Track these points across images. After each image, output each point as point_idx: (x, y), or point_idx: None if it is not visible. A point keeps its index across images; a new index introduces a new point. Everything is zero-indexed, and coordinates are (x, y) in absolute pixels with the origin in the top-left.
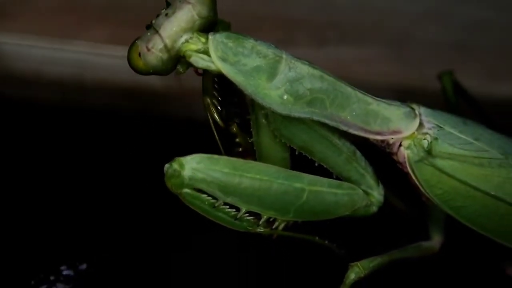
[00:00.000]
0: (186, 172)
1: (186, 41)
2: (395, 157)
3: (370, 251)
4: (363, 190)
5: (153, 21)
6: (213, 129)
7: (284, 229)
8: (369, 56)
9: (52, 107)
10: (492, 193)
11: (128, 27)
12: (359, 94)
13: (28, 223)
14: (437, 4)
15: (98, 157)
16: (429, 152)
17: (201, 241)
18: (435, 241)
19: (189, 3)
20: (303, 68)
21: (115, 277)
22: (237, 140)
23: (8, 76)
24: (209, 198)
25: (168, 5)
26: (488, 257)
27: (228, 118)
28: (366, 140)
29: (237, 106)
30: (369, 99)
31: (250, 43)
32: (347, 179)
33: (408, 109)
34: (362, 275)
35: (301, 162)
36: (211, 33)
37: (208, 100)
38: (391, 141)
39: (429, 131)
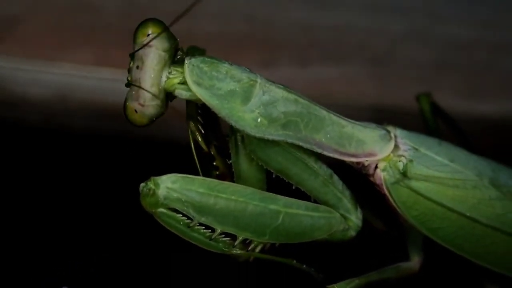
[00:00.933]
0: (161, 191)
1: (167, 78)
2: (372, 179)
3: (349, 273)
4: (341, 214)
5: (129, 78)
6: (194, 153)
7: (261, 251)
8: (350, 75)
9: (36, 129)
10: (468, 214)
11: (112, 48)
12: (334, 117)
13: (25, 229)
14: (418, 24)
15: (87, 171)
16: (404, 174)
17: None
18: (415, 261)
19: (150, 46)
20: (278, 92)
21: (115, 277)
22: (215, 163)
23: None
24: (184, 218)
25: (132, 57)
26: (468, 277)
27: (209, 141)
28: (343, 162)
29: (217, 129)
30: (343, 121)
31: (224, 67)
32: (325, 203)
33: (383, 131)
34: None
35: (284, 186)
36: (187, 58)
37: (192, 125)
38: (366, 163)
39: (405, 153)
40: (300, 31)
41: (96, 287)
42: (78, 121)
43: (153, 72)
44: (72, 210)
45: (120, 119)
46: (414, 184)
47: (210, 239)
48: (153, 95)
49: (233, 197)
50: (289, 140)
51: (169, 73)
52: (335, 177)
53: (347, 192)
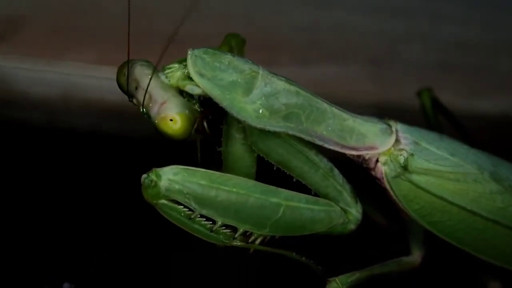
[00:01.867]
0: (163, 183)
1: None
2: (373, 173)
3: (350, 267)
4: (341, 208)
5: (143, 110)
6: (198, 141)
7: (261, 243)
8: (351, 75)
9: (39, 128)
10: (468, 207)
11: (115, 48)
12: (335, 110)
13: (26, 229)
14: (418, 25)
15: (90, 168)
16: (405, 167)
17: (201, 241)
18: (416, 256)
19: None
20: (279, 84)
21: (115, 277)
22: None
23: None
24: (186, 209)
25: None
26: (469, 272)
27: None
28: (344, 158)
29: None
30: (344, 115)
31: (227, 58)
32: (325, 196)
33: (384, 125)
34: None
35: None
36: (190, 49)
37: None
38: (367, 157)
39: (406, 147)
40: (301, 32)
41: (96, 287)
42: (81, 120)
43: (158, 85)
44: (72, 210)
45: (122, 118)
46: (415, 177)
47: (211, 231)
48: (174, 104)
49: (234, 189)
50: (290, 132)
51: (170, 71)
52: (336, 171)
53: (347, 186)
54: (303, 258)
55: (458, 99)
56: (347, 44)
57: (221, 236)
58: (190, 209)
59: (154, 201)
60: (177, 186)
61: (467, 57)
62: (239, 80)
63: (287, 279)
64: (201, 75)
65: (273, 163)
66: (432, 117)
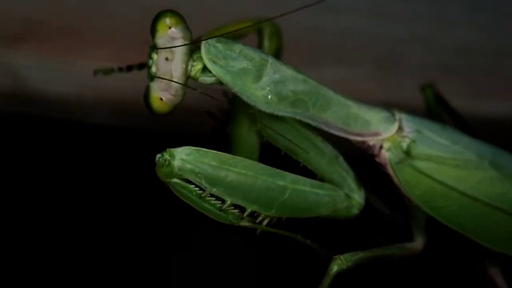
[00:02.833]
0: (176, 162)
1: (192, 66)
2: (377, 159)
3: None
4: (345, 193)
5: (153, 70)
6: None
7: (268, 225)
8: (354, 77)
9: (56, 124)
10: (469, 193)
11: (129, 47)
12: (341, 98)
13: (29, 226)
14: (422, 28)
15: (100, 166)
16: (408, 153)
17: (201, 241)
18: (418, 242)
19: (177, 38)
20: (287, 71)
21: (115, 277)
22: None
23: (16, 95)
24: (197, 189)
25: (153, 49)
26: (471, 258)
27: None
28: (349, 148)
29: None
30: (350, 102)
31: (238, 47)
32: (330, 181)
33: (388, 113)
34: (345, 267)
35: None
36: (203, 38)
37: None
38: (371, 143)
39: (408, 134)
40: (305, 34)
41: (96, 287)
42: (96, 117)
43: (184, 62)
44: (73, 209)
45: (136, 114)
46: (417, 163)
47: (220, 210)
48: (183, 85)
49: (243, 171)
50: (298, 117)
51: (193, 61)
52: (341, 158)
53: (351, 173)
54: (308, 241)
55: (461, 100)
56: (351, 47)
57: (230, 216)
58: (201, 189)
59: (168, 180)
60: (189, 166)
61: (472, 60)
62: (249, 67)
63: (287, 279)
64: (214, 62)
65: (280, 148)
66: (435, 111)
